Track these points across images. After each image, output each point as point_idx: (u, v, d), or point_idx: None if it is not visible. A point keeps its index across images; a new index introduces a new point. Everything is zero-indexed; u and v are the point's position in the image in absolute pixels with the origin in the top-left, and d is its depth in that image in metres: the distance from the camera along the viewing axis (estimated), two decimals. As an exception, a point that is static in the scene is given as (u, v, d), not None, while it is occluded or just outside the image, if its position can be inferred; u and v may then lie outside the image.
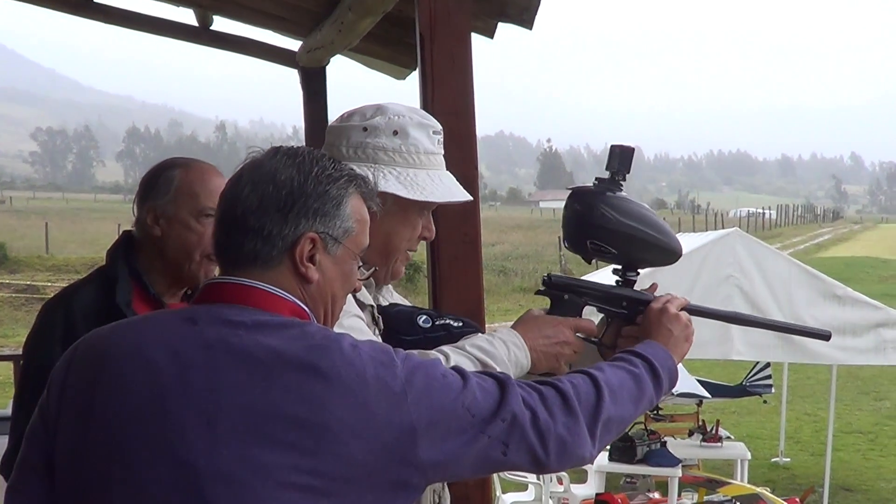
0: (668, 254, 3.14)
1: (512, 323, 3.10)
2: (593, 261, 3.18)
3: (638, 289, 3.17)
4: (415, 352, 2.77)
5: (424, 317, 3.10)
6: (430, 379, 2.23)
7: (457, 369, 2.32)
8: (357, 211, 2.40)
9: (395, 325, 3.08)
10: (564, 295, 3.12)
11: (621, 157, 3.06)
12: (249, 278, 2.30)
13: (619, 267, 3.17)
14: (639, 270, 3.17)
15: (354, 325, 2.83)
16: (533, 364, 2.99)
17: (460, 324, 3.11)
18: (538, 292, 3.17)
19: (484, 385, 2.30)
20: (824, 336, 3.37)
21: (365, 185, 2.45)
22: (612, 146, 3.09)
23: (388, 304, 3.19)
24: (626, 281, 3.16)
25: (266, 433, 2.10)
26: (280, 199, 2.29)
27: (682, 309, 3.06)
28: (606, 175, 3.08)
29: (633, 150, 3.08)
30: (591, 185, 3.09)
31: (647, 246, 3.08)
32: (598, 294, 3.13)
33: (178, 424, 2.13)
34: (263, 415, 2.11)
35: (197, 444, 2.11)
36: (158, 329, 2.28)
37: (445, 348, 2.87)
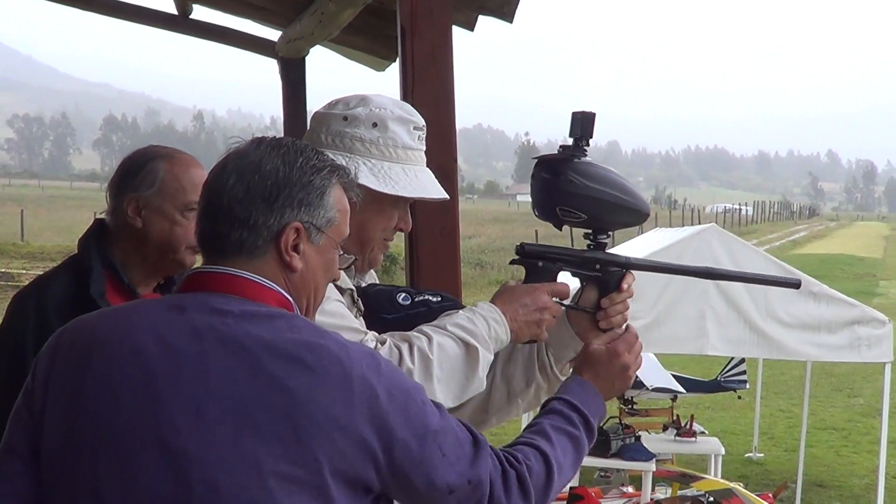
0: (635, 214, 3.15)
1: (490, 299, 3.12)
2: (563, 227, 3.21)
3: (610, 251, 3.22)
4: (396, 333, 2.80)
5: (404, 294, 3.12)
6: (410, 399, 2.26)
7: (437, 405, 2.35)
8: (339, 201, 2.42)
9: (376, 304, 3.10)
10: (538, 262, 3.15)
11: (583, 123, 3.08)
12: (235, 268, 2.31)
13: (590, 231, 3.19)
14: (609, 233, 3.21)
15: (337, 309, 2.84)
16: (514, 334, 3.02)
17: (439, 298, 3.13)
18: (512, 261, 3.18)
19: (459, 435, 2.35)
20: (794, 284, 3.42)
21: (346, 176, 2.47)
22: (573, 112, 3.11)
23: (367, 284, 3.20)
24: (598, 244, 3.19)
25: (253, 422, 2.13)
26: (266, 188, 2.30)
27: (646, 268, 3.21)
28: (570, 142, 3.10)
29: (594, 115, 3.09)
30: (556, 152, 3.12)
31: (614, 208, 3.09)
32: (571, 259, 3.17)
33: (167, 412, 2.15)
34: (250, 404, 2.14)
35: (186, 431, 2.13)
36: (146, 316, 2.28)
37: (426, 329, 2.88)
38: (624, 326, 3.09)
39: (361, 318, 3.02)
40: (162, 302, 2.39)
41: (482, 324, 2.93)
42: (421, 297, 3.12)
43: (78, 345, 2.28)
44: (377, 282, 3.29)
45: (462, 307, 3.07)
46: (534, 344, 3.23)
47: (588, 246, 3.20)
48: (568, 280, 3.19)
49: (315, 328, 2.28)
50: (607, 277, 3.16)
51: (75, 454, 2.20)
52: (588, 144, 3.09)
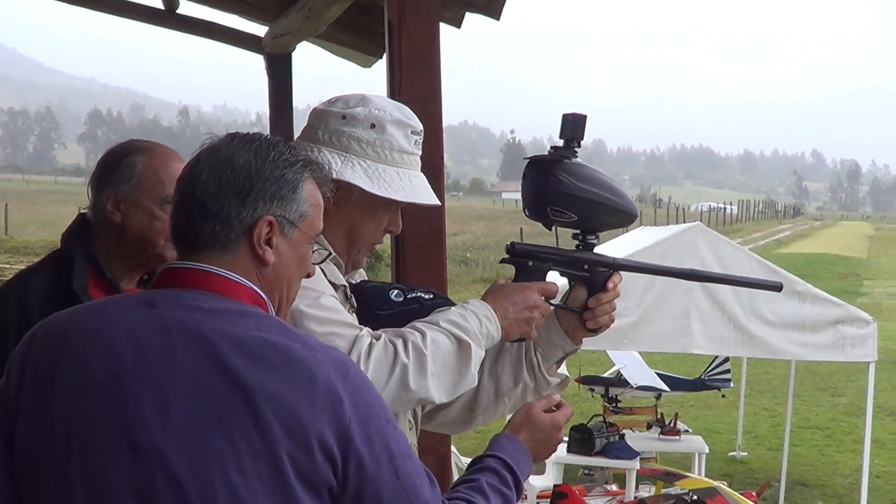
0: (624, 215, 3.22)
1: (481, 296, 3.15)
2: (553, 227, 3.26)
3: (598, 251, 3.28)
4: (390, 329, 2.82)
5: (396, 291, 3.14)
6: (374, 413, 2.27)
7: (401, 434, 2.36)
8: (312, 195, 2.44)
9: (369, 300, 3.11)
10: (528, 262, 3.20)
11: (574, 125, 3.14)
12: (207, 262, 2.33)
13: (579, 232, 3.26)
14: (597, 234, 3.27)
15: (331, 304, 2.86)
16: (504, 332, 3.06)
17: (431, 296, 3.15)
18: (503, 260, 3.23)
19: (418, 467, 2.37)
20: (776, 287, 3.48)
21: (319, 171, 2.48)
22: (563, 115, 3.16)
23: (359, 281, 3.22)
24: (586, 244, 3.26)
25: (217, 418, 2.15)
26: (238, 182, 2.32)
27: (626, 267, 3.28)
28: (561, 143, 3.16)
29: (585, 116, 3.15)
30: (547, 153, 3.17)
31: (604, 209, 3.16)
32: (560, 259, 3.23)
33: (135, 407, 2.16)
34: (214, 400, 2.15)
35: (152, 425, 2.15)
36: (118, 312, 2.30)
37: (419, 325, 2.90)
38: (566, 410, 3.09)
39: (354, 314, 3.03)
40: (133, 298, 2.40)
41: (474, 320, 2.96)
42: (413, 294, 3.14)
43: (51, 341, 2.29)
44: (368, 279, 3.30)
45: (453, 304, 3.10)
46: (522, 343, 3.28)
47: (577, 246, 3.27)
48: (556, 280, 3.22)
49: (286, 329, 2.29)
50: (595, 277, 3.23)
51: (47, 448, 2.22)
52: (579, 146, 3.15)
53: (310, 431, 2.15)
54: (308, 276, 2.53)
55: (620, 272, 3.27)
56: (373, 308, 3.09)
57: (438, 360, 2.83)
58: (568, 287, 3.28)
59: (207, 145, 2.40)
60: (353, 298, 3.09)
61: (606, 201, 3.15)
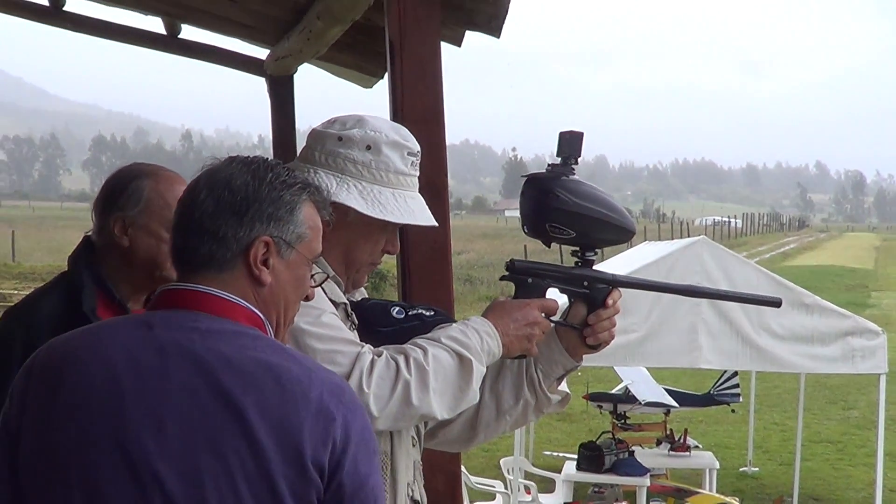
0: (622, 232, 3.24)
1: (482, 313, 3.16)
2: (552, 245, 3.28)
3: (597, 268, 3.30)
4: (391, 346, 2.83)
5: (398, 308, 3.15)
6: (363, 440, 2.28)
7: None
8: (310, 218, 2.46)
9: (370, 317, 3.12)
10: (528, 279, 3.22)
11: (570, 142, 3.17)
12: (204, 282, 2.35)
13: (578, 249, 3.28)
14: (596, 250, 3.29)
15: (332, 322, 2.87)
16: (505, 348, 3.07)
17: (432, 313, 3.16)
18: (502, 278, 3.26)
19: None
20: (775, 303, 3.51)
21: (318, 194, 2.51)
22: (561, 133, 3.19)
23: (360, 299, 3.23)
24: (585, 261, 3.29)
25: (210, 438, 2.17)
26: (235, 203, 2.35)
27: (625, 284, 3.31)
28: (558, 161, 3.18)
29: (581, 134, 3.17)
30: (545, 171, 3.20)
31: (602, 225, 3.18)
32: (559, 275, 3.25)
33: (132, 428, 2.18)
34: (208, 420, 2.18)
35: (149, 448, 2.17)
36: (115, 334, 2.33)
37: (421, 341, 2.91)
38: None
39: (356, 331, 3.04)
40: (131, 320, 2.47)
41: (475, 337, 2.97)
42: (414, 311, 3.15)
43: (50, 364, 2.31)
44: (369, 297, 3.30)
45: (454, 321, 3.11)
46: (522, 360, 3.29)
47: (576, 263, 3.29)
48: (556, 297, 3.24)
49: (281, 349, 2.32)
50: (595, 294, 3.25)
51: (48, 471, 2.23)
52: (576, 163, 3.18)
53: (302, 450, 2.17)
54: (307, 298, 2.54)
55: (620, 289, 3.29)
56: (374, 325, 3.10)
57: (440, 376, 2.84)
58: (568, 304, 3.29)
59: (207, 168, 2.43)
60: (354, 316, 3.10)
61: (604, 217, 3.17)
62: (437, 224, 3.20)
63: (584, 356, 3.34)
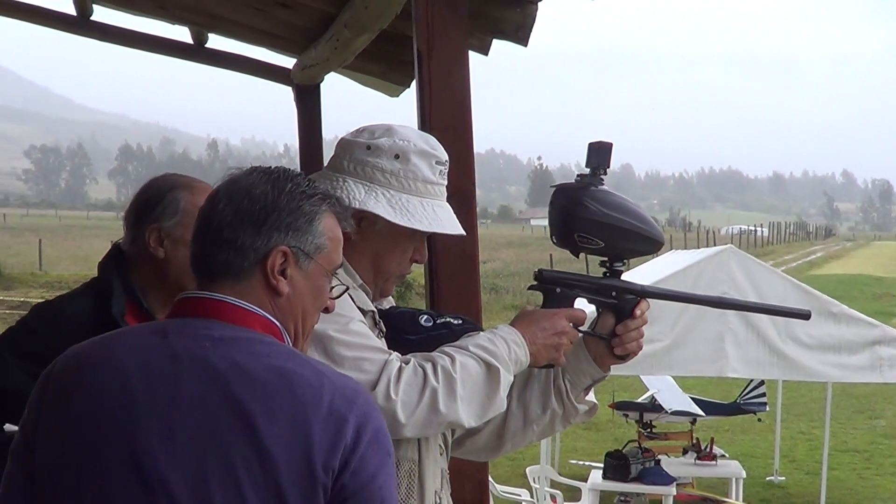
0: (650, 242, 3.25)
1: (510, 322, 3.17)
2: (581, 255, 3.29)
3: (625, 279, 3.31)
4: (419, 354, 2.85)
5: (426, 316, 3.16)
6: (378, 442, 2.27)
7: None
8: (330, 229, 2.45)
9: (398, 325, 3.13)
10: (556, 288, 3.23)
11: (600, 153, 3.18)
12: (221, 291, 2.35)
13: (606, 259, 3.29)
14: (624, 261, 3.29)
15: (360, 329, 2.88)
16: (533, 357, 3.07)
17: (460, 321, 3.17)
18: (531, 287, 3.27)
19: None
20: (804, 315, 3.50)
21: (339, 205, 2.50)
22: (589, 143, 3.20)
23: (388, 307, 3.24)
24: (613, 271, 3.30)
25: (219, 445, 2.17)
26: (254, 212, 2.35)
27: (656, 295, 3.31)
28: (587, 171, 3.19)
29: (610, 144, 3.19)
30: (574, 181, 3.21)
31: (631, 235, 3.19)
32: (588, 285, 3.26)
33: (142, 435, 2.19)
34: (217, 427, 2.18)
35: (158, 455, 2.18)
36: (130, 342, 2.34)
37: (448, 349, 2.92)
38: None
39: (383, 339, 3.05)
40: (146, 328, 2.46)
41: (503, 345, 2.97)
42: (442, 320, 3.16)
43: (66, 372, 2.33)
44: (396, 305, 3.32)
45: (482, 330, 3.11)
46: (550, 370, 3.29)
47: (604, 273, 3.30)
48: (584, 307, 3.25)
49: (295, 355, 2.32)
50: (623, 304, 3.26)
51: (62, 478, 2.25)
52: (605, 173, 3.20)
53: (312, 456, 2.17)
54: (326, 310, 2.54)
55: (648, 299, 3.28)
56: (402, 333, 3.11)
57: (468, 384, 2.84)
58: (596, 314, 3.29)
59: (228, 177, 2.44)
60: (382, 324, 3.10)
61: (633, 228, 3.18)
62: (464, 233, 3.22)
63: (611, 366, 3.34)
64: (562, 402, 3.29)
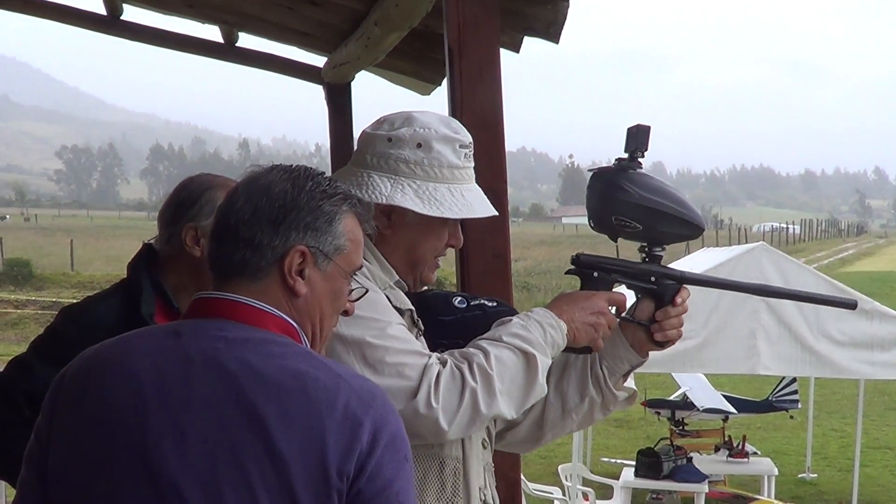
0: (690, 227, 3.18)
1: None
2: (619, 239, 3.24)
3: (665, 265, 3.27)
4: (455, 352, 2.81)
5: (459, 298, 3.14)
6: (394, 446, 2.23)
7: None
8: (350, 230, 2.41)
9: (432, 306, 3.11)
10: (594, 273, 3.19)
11: (638, 136, 3.14)
12: (236, 291, 2.32)
13: (645, 244, 3.24)
14: (664, 246, 3.24)
15: (399, 333, 2.84)
16: (571, 335, 3.04)
17: (494, 304, 3.15)
18: (568, 272, 3.23)
19: None
20: (850, 305, 3.43)
21: (360, 206, 2.45)
22: (628, 127, 3.16)
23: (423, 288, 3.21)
24: (652, 257, 3.24)
25: (231, 448, 2.14)
26: (273, 210, 2.31)
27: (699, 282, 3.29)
28: (625, 156, 3.16)
29: (648, 128, 3.15)
30: (612, 164, 3.18)
31: (670, 220, 3.14)
32: (626, 270, 3.22)
33: (154, 437, 2.17)
34: (230, 430, 2.15)
35: (169, 457, 2.15)
36: (143, 343, 2.31)
37: (482, 343, 2.88)
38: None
39: (422, 337, 3.02)
40: (161, 328, 2.43)
41: (537, 329, 2.94)
42: (476, 302, 3.14)
43: (79, 374, 2.31)
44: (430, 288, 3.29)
45: (516, 312, 3.09)
46: (587, 358, 3.25)
47: (643, 259, 3.25)
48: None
49: (311, 357, 2.28)
50: (662, 290, 3.21)
51: (74, 479, 2.23)
52: (643, 157, 3.15)
53: (327, 460, 2.13)
54: (346, 313, 2.50)
55: (688, 287, 3.25)
56: (436, 314, 3.09)
57: (506, 377, 2.81)
58: (635, 300, 3.26)
59: (248, 175, 2.41)
60: (420, 322, 3.06)
61: (673, 212, 3.13)
62: (496, 213, 3.17)
63: (649, 353, 3.30)
64: (600, 390, 3.25)
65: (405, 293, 3.07)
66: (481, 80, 4.49)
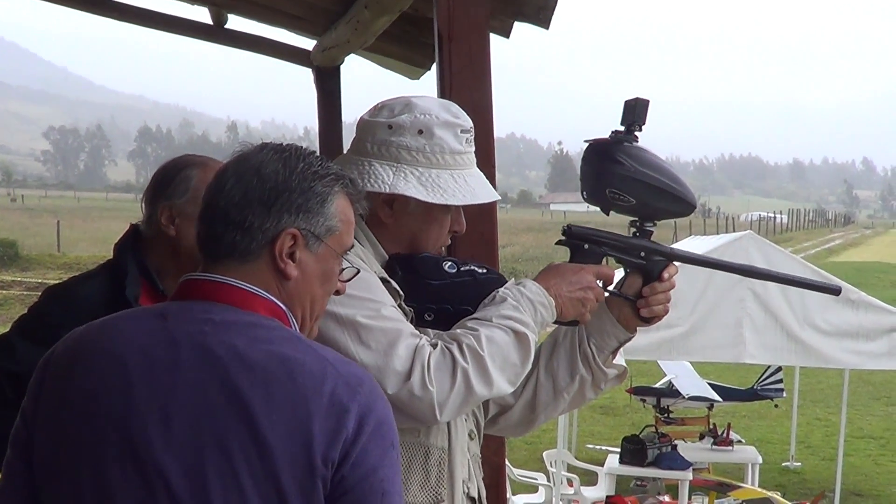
0: (683, 204, 3.18)
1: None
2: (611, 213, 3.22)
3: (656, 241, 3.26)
4: (444, 334, 2.81)
5: (450, 263, 3.08)
6: (381, 433, 2.21)
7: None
8: (342, 211, 2.38)
9: (421, 269, 3.05)
10: (584, 244, 3.18)
11: (635, 109, 3.12)
12: (225, 273, 2.29)
13: (636, 219, 3.23)
14: (655, 221, 3.24)
15: (392, 315, 2.81)
16: (559, 309, 3.03)
17: (484, 270, 3.10)
18: (558, 242, 3.21)
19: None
20: (834, 291, 3.47)
21: (352, 186, 2.42)
22: (626, 100, 3.14)
23: None
24: (643, 232, 3.24)
25: (216, 434, 2.12)
26: (264, 192, 2.28)
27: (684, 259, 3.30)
28: (622, 128, 3.14)
29: (647, 101, 3.13)
30: (608, 136, 3.15)
31: (663, 195, 3.13)
32: (616, 244, 3.21)
33: (140, 421, 2.15)
34: (215, 415, 2.13)
35: (154, 442, 2.13)
36: (129, 326, 2.28)
37: (472, 324, 2.87)
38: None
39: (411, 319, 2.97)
40: (147, 311, 2.38)
41: (529, 308, 2.93)
42: (466, 267, 3.08)
43: (65, 356, 2.28)
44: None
45: (506, 280, 3.07)
46: (575, 335, 3.25)
47: (633, 234, 3.24)
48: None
49: (299, 341, 2.25)
50: (651, 266, 3.21)
51: (60, 463, 2.21)
52: (640, 130, 3.13)
53: (312, 447, 2.12)
54: (337, 293, 2.48)
55: (676, 264, 3.24)
56: (424, 277, 3.03)
57: (497, 357, 2.79)
58: (623, 275, 3.25)
59: (238, 155, 2.37)
60: (413, 314, 2.99)
61: (666, 187, 3.12)
62: (499, 198, 3.20)
63: (637, 329, 3.30)
64: (589, 367, 3.25)
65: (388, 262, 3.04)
66: (471, 65, 4.47)
